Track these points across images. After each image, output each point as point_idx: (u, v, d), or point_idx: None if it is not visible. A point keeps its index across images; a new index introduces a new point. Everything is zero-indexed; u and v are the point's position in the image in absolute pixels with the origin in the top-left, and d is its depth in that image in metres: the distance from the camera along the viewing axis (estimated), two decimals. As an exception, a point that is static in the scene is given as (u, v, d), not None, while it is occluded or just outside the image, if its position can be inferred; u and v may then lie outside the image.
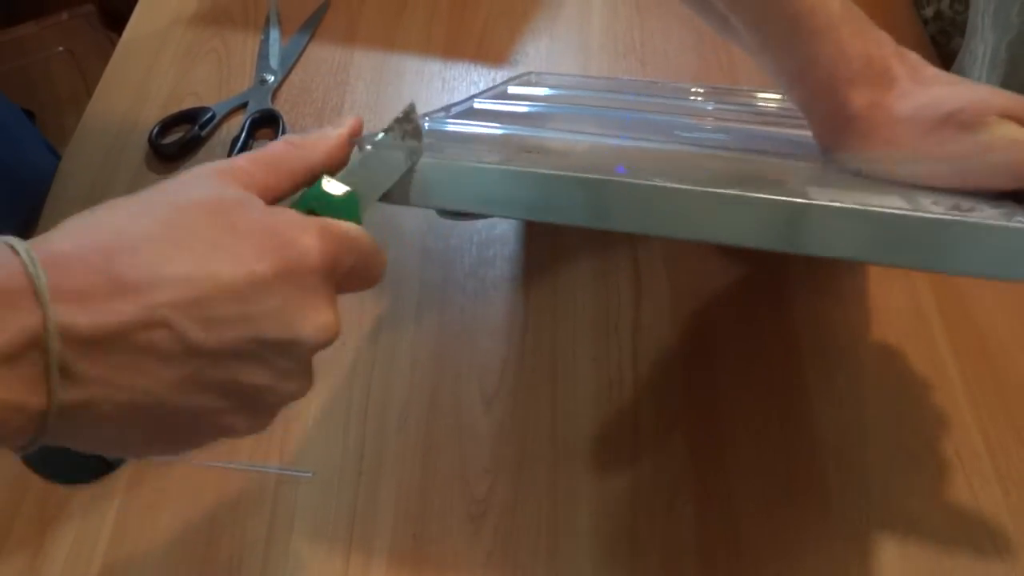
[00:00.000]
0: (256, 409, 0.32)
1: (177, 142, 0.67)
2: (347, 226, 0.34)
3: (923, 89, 0.40)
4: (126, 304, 0.28)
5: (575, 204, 0.37)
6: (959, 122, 0.38)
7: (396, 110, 0.38)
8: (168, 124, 0.69)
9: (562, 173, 0.36)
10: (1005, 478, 0.48)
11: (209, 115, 0.69)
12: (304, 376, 0.33)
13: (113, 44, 0.79)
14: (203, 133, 0.68)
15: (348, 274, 0.34)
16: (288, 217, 0.32)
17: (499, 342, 0.56)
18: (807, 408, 0.52)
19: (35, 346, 0.27)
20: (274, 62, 0.74)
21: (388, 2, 0.79)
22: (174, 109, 0.70)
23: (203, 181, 0.32)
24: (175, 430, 0.31)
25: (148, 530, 0.49)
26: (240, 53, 0.76)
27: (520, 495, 0.50)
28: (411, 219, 0.62)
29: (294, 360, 0.32)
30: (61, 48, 1.47)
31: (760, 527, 0.48)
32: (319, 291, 0.32)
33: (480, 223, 0.62)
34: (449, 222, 0.62)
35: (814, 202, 0.34)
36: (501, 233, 0.61)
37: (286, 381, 0.32)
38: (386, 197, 0.38)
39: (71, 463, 0.32)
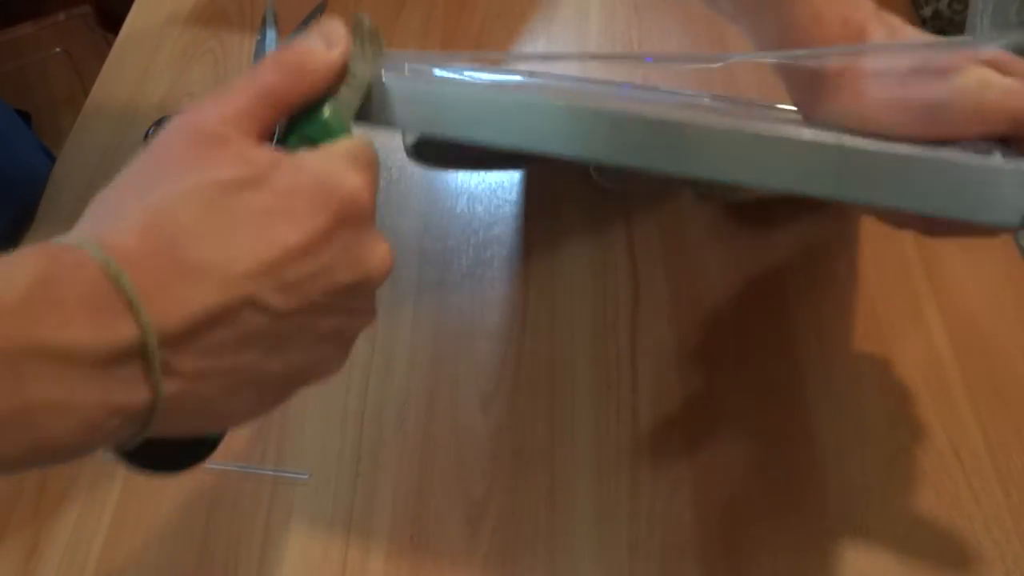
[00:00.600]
0: (334, 351, 0.34)
1: None
2: (363, 147, 0.34)
3: None
4: (207, 289, 0.28)
5: (550, 131, 0.36)
6: (932, 69, 0.38)
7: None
8: (164, 124, 0.69)
9: (542, 99, 0.36)
10: (1006, 479, 0.48)
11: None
12: (372, 309, 0.35)
13: (110, 45, 0.79)
14: None
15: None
16: (321, 163, 0.32)
17: (497, 343, 0.56)
18: (806, 409, 0.51)
19: (133, 350, 0.27)
20: (271, 62, 0.74)
21: (385, 3, 0.79)
22: (170, 110, 0.70)
23: (218, 149, 0.31)
24: (274, 392, 0.33)
25: (144, 531, 0.49)
26: (237, 53, 0.75)
27: (518, 497, 0.49)
28: (408, 220, 0.62)
29: (364, 298, 0.34)
30: (58, 49, 1.47)
31: (759, 528, 0.47)
32: (370, 223, 0.33)
33: (477, 224, 0.62)
34: (447, 223, 0.62)
35: (782, 134, 0.34)
36: (498, 234, 0.61)
37: (358, 318, 0.34)
38: (366, 116, 0.37)
39: (167, 451, 0.32)
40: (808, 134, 0.34)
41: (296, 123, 0.35)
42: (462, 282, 0.59)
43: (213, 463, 0.51)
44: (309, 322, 0.31)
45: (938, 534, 0.46)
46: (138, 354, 0.27)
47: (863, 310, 0.55)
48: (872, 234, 0.59)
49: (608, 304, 0.57)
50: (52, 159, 0.69)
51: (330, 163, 0.33)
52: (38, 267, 0.26)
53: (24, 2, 1.50)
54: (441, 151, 0.55)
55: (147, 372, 0.27)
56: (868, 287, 0.56)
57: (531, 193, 0.63)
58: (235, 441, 0.52)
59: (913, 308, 0.55)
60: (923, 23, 0.73)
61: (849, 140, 0.34)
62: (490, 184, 0.64)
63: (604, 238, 0.60)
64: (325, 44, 0.35)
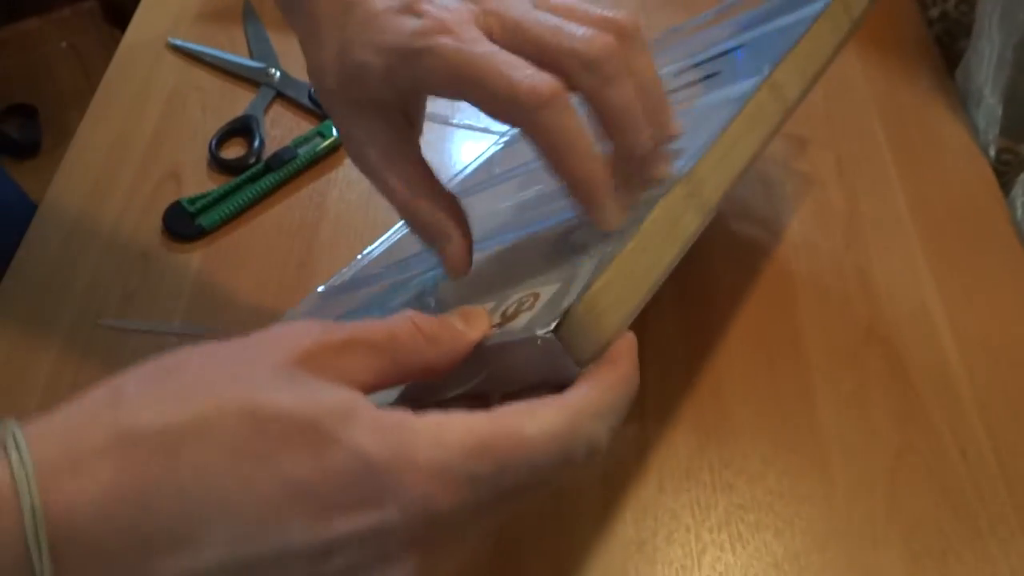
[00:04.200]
0: None
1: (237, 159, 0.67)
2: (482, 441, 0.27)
3: None
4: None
5: None
6: None
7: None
8: (223, 136, 0.69)
9: None
10: (1011, 478, 0.48)
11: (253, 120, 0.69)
12: None
13: (116, 39, 0.79)
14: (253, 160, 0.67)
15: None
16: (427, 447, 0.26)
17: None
18: (813, 410, 0.51)
19: None
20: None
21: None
22: (177, 106, 0.70)
23: (299, 384, 0.25)
24: None
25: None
26: (244, 49, 0.76)
27: (524, 494, 0.49)
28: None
29: None
30: (64, 43, 1.47)
31: (767, 530, 0.47)
32: (404, 550, 0.26)
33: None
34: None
35: None
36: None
37: None
38: None
39: None
40: None
41: None
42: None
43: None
44: None
45: (944, 536, 0.47)
46: None
47: (870, 311, 0.55)
48: (878, 235, 0.59)
49: (614, 302, 0.57)
50: (33, 205, 0.66)
51: (436, 451, 0.25)
52: None
53: (30, -3, 1.51)
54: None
55: None
56: (876, 287, 0.56)
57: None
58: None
59: (920, 308, 0.55)
60: (930, 24, 0.73)
61: None
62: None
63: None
64: (460, 320, 0.31)
